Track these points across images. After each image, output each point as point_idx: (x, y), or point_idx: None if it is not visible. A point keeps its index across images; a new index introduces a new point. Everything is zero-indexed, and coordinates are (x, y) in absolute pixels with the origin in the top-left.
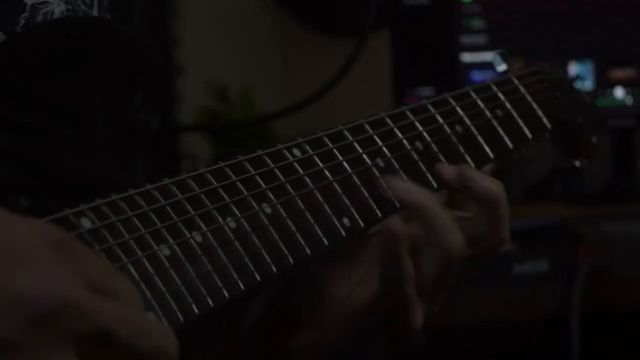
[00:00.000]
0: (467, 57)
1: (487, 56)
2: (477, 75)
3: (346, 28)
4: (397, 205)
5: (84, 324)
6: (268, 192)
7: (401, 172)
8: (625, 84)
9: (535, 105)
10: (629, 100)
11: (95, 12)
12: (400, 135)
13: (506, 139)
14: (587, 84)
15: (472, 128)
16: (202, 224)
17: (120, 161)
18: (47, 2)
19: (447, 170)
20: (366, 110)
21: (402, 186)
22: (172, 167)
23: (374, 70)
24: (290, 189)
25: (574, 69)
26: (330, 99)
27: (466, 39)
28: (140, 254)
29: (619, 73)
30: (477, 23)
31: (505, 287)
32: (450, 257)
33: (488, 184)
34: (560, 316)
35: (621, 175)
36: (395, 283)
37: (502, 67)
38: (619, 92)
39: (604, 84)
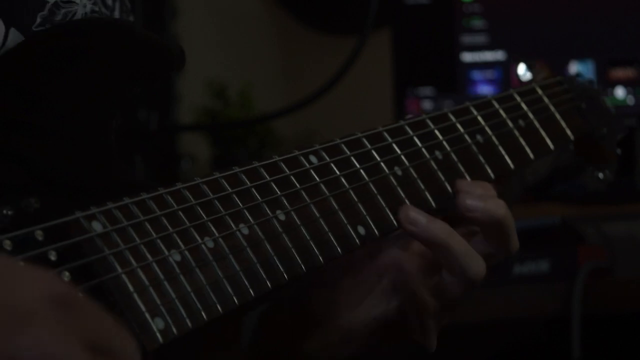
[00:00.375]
0: (467, 57)
1: (487, 55)
2: (477, 75)
3: (346, 27)
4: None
5: None
6: (282, 198)
7: (419, 182)
8: (626, 83)
9: (558, 116)
10: (630, 100)
11: (117, 15)
12: (419, 143)
13: (528, 149)
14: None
15: (493, 138)
16: (214, 230)
17: (119, 161)
18: (73, 2)
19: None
20: (366, 109)
21: (422, 221)
22: (171, 166)
23: (374, 69)
24: (306, 196)
25: (574, 68)
26: (329, 99)
27: (467, 39)
28: (150, 258)
29: (619, 73)
30: (478, 22)
31: (506, 288)
32: (474, 284)
33: (491, 208)
34: (561, 317)
35: (623, 175)
36: (413, 314)
37: (527, 77)
38: (620, 92)
39: (605, 83)
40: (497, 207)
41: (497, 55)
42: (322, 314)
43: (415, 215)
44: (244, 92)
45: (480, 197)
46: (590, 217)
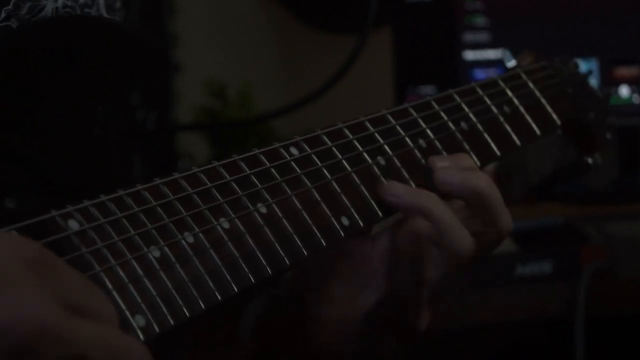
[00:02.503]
0: (469, 55)
1: (489, 54)
2: (479, 74)
3: (346, 25)
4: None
5: (61, 351)
6: (263, 191)
7: (402, 171)
8: (630, 82)
9: (544, 101)
10: (635, 99)
11: (102, 6)
12: (402, 132)
13: (513, 135)
14: (592, 83)
15: (478, 125)
16: (194, 225)
17: (117, 161)
18: None
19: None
20: (367, 109)
21: (404, 191)
22: (170, 166)
23: (375, 68)
24: (287, 188)
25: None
26: (330, 98)
27: (468, 37)
28: (129, 255)
29: (623, 71)
30: (480, 20)
31: (508, 289)
32: (461, 259)
33: (468, 179)
34: (564, 318)
35: (626, 174)
36: (412, 286)
37: (511, 63)
38: (624, 91)
39: (609, 82)
40: (476, 179)
41: (499, 54)
42: (319, 311)
43: (396, 186)
44: (243, 92)
45: (456, 169)
46: (592, 217)
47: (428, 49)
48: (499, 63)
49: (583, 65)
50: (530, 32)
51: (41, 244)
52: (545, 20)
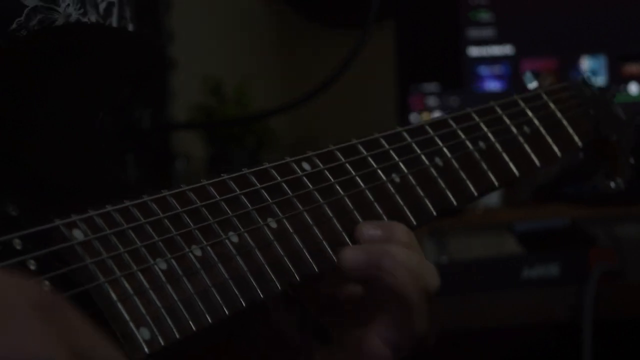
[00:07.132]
0: (474, 51)
1: (494, 50)
2: (484, 70)
3: (348, 20)
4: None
5: None
6: (274, 206)
7: (417, 188)
8: (639, 79)
9: (565, 122)
10: None
11: (114, 21)
12: (418, 150)
13: (533, 156)
14: (600, 80)
15: (497, 145)
16: (202, 238)
17: (114, 162)
18: (53, 9)
19: (354, 254)
20: (368, 107)
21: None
22: (165, 166)
23: (377, 64)
24: (298, 204)
25: (586, 64)
26: (330, 95)
27: (473, 32)
28: (135, 267)
29: (632, 68)
30: (485, 16)
31: (514, 292)
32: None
33: (406, 280)
34: (571, 321)
35: (636, 175)
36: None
37: (532, 84)
38: (633, 88)
39: (618, 79)
40: (412, 281)
41: (505, 50)
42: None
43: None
44: (240, 88)
45: (399, 262)
46: (601, 219)
47: (431, 45)
48: (504, 59)
49: (590, 63)
50: (535, 27)
51: (52, 289)
52: (552, 16)
